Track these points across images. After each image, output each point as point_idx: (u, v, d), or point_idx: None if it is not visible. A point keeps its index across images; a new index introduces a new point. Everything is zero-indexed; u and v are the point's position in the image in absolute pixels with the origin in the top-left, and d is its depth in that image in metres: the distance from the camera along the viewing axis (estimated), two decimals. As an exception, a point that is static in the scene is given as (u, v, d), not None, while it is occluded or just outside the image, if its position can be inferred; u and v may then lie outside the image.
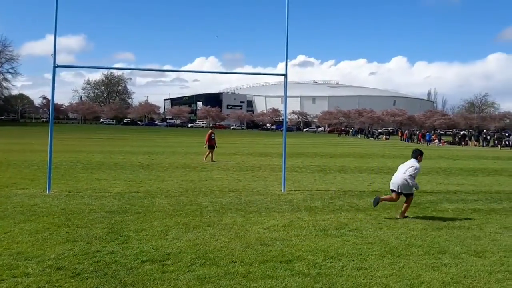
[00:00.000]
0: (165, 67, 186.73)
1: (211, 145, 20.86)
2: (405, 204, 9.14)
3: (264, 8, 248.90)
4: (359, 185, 13.98)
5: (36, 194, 10.77)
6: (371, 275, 5.48)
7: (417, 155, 9.32)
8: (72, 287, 4.91)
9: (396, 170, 9.41)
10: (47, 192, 11.11)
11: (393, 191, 9.15)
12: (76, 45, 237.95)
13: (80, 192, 11.38)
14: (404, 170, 9.02)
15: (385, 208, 9.96)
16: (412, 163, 9.13)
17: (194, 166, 18.62)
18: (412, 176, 8.88)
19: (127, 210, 9.17)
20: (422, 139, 57.33)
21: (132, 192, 11.62)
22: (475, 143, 51.01)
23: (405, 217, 9.03)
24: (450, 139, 59.89)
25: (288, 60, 12.52)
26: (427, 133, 56.49)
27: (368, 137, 68.87)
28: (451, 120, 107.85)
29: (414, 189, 9.05)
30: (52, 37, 11.20)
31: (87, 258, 5.90)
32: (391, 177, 9.39)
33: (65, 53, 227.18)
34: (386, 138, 69.14)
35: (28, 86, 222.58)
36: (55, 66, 11.43)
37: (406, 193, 9.01)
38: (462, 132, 71.24)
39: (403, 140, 63.67)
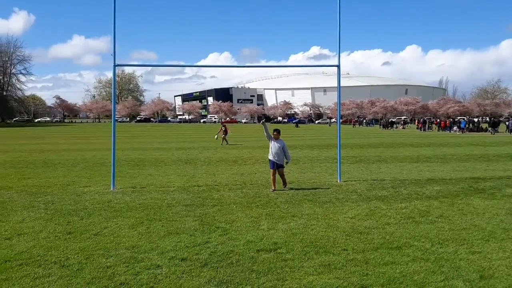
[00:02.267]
0: (182, 63, 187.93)
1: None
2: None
3: (274, 3, 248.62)
4: (409, 174, 14.07)
5: (103, 191, 10.99)
6: (489, 258, 5.64)
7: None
8: (209, 276, 5.10)
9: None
10: (111, 188, 11.33)
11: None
12: (103, 46, 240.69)
13: (143, 187, 11.60)
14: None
15: (454, 196, 10.09)
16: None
17: (234, 160, 18.78)
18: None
19: (203, 203, 9.36)
20: (444, 127, 56.84)
21: (194, 186, 11.81)
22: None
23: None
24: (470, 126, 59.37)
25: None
26: (462, 121, 55.69)
27: (385, 127, 68.45)
28: (465, 107, 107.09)
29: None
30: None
31: (202, 249, 6.09)
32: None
33: (93, 53, 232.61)
34: (402, 128, 68.87)
35: (49, 87, 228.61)
36: (115, 65, 11.62)
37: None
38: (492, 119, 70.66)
39: (419, 129, 63.22)
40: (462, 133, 49.60)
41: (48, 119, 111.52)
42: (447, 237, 6.62)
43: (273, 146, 11.14)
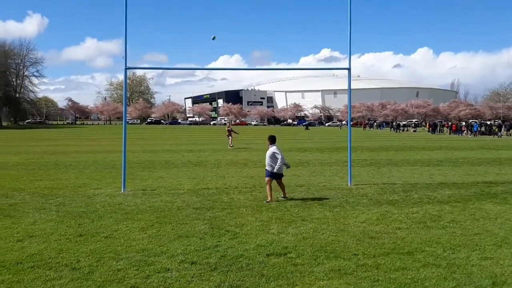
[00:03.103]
0: (192, 66, 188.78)
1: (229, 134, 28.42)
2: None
3: (284, 5, 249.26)
4: (420, 178, 13.96)
5: (114, 194, 11.05)
6: (502, 264, 5.58)
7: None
8: (219, 280, 5.09)
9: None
10: (122, 191, 11.39)
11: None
12: (115, 49, 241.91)
13: (154, 190, 11.64)
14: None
15: (466, 200, 10.00)
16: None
17: (244, 163, 18.78)
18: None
19: (212, 206, 9.37)
20: (455, 130, 56.29)
21: (203, 189, 11.83)
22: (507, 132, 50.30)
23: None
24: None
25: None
26: (475, 124, 55.12)
27: (396, 131, 67.92)
28: (477, 110, 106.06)
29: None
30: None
31: (212, 253, 6.09)
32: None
33: (105, 56, 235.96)
34: (413, 131, 68.43)
35: (61, 89, 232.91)
36: (126, 68, 11.70)
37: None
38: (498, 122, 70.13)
39: (430, 132, 62.71)
40: (474, 136, 49.16)
41: (37, 120, 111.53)
42: (459, 242, 6.56)
43: (267, 154, 10.24)
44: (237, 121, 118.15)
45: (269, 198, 9.92)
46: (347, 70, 12.69)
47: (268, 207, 9.31)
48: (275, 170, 9.94)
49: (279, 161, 9.93)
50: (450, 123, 67.31)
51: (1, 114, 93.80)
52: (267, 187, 10.08)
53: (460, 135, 53.11)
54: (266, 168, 10.20)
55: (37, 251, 6.15)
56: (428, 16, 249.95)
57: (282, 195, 10.34)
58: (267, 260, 5.81)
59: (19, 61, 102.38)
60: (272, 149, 10.11)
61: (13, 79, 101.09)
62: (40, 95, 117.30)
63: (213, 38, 12.55)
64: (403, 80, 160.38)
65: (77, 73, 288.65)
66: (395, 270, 5.40)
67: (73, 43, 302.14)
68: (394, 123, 77.02)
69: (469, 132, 52.62)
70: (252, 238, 6.84)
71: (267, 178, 10.15)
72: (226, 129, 29.47)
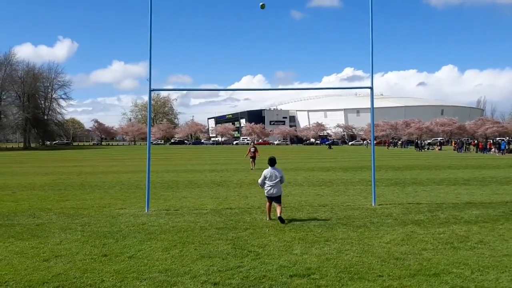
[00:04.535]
0: (216, 86, 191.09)
1: (253, 156, 26.86)
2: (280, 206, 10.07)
3: (305, 26, 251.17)
4: (446, 197, 13.70)
5: (138, 214, 11.15)
6: (533, 287, 5.39)
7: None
8: (242, 302, 5.06)
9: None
10: (146, 211, 11.49)
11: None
12: (141, 71, 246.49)
13: (177, 210, 11.71)
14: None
15: (495, 220, 9.75)
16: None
17: (267, 183, 18.70)
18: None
19: (235, 227, 9.36)
20: (482, 148, 55.18)
21: (226, 209, 11.84)
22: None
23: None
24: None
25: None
26: (503, 142, 54.01)
27: (420, 149, 66.90)
28: (504, 128, 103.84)
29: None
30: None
31: (235, 274, 6.07)
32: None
33: (131, 78, 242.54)
34: (439, 149, 67.31)
35: (88, 111, 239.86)
36: (151, 90, 11.92)
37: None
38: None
39: (456, 150, 61.59)
40: (502, 154, 48.06)
41: (64, 141, 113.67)
42: (488, 264, 6.38)
43: None
44: (260, 140, 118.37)
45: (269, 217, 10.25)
46: (368, 90, 12.64)
47: (290, 227, 9.25)
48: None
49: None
50: (476, 141, 66.00)
51: (30, 135, 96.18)
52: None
53: (487, 153, 52.02)
54: None
55: (63, 271, 6.23)
56: (453, 34, 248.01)
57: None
58: (290, 281, 5.75)
59: (48, 84, 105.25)
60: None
61: (42, 102, 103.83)
62: (67, 116, 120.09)
63: (262, 7, 11.58)
64: (427, 98, 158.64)
65: (104, 95, 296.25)
66: (422, 292, 5.28)
67: (101, 66, 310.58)
68: (418, 142, 75.88)
69: (496, 150, 51.46)
70: (275, 259, 6.79)
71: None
72: (249, 149, 28.00)
